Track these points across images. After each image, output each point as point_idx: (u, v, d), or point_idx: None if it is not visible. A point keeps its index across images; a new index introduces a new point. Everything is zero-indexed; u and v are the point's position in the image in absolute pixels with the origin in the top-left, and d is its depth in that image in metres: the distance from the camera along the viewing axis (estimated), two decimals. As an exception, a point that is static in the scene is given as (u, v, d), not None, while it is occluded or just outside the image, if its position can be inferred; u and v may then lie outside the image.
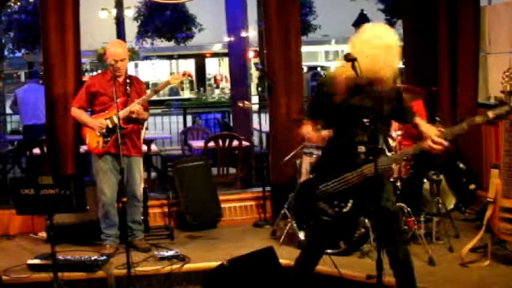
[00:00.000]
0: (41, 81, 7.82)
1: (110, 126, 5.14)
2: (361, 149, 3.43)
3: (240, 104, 6.87)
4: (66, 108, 5.78)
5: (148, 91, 5.43)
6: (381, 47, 3.37)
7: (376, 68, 3.35)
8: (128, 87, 5.24)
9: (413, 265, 3.67)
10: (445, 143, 3.42)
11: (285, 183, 5.99)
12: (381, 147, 3.46)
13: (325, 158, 3.63)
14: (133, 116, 5.13)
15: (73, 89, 5.86)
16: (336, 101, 3.43)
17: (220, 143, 7.13)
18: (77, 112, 5.31)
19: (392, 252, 3.61)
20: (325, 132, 3.57)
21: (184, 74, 5.58)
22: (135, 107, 5.11)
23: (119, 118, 4.85)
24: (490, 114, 3.46)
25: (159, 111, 14.66)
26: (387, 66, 3.37)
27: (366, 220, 4.83)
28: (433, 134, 3.43)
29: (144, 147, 6.08)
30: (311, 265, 3.74)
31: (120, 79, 5.23)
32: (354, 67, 3.30)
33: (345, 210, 3.48)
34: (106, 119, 5.18)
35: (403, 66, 6.61)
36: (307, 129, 3.60)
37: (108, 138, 5.17)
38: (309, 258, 3.74)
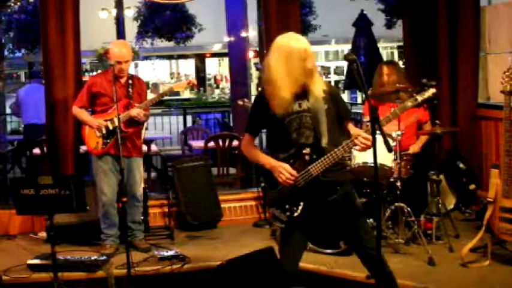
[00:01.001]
0: (43, 81, 7.82)
1: (110, 128, 5.14)
2: (305, 150, 3.43)
3: (240, 103, 6.87)
4: (66, 108, 5.78)
5: (150, 96, 5.42)
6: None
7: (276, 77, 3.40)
8: (130, 89, 5.24)
9: (384, 258, 3.60)
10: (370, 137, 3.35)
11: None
12: (325, 146, 3.43)
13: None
14: (134, 118, 5.13)
15: (73, 89, 5.86)
16: (274, 112, 3.45)
17: (220, 143, 7.13)
18: (77, 111, 5.31)
19: (363, 253, 3.57)
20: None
21: (188, 83, 5.54)
22: (136, 111, 5.11)
23: (119, 121, 4.85)
24: (419, 97, 3.47)
25: (159, 111, 14.64)
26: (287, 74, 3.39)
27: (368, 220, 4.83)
28: (363, 131, 3.40)
29: (144, 147, 6.08)
30: (291, 265, 3.66)
31: (122, 80, 5.22)
32: (354, 67, 3.29)
33: (296, 214, 3.45)
34: (107, 120, 5.17)
35: (404, 66, 6.62)
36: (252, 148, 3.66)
37: (108, 140, 5.17)
38: (286, 259, 3.67)
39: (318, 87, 3.45)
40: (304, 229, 3.57)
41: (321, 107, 3.45)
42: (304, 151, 3.44)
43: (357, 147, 3.40)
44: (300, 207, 3.45)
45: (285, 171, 3.41)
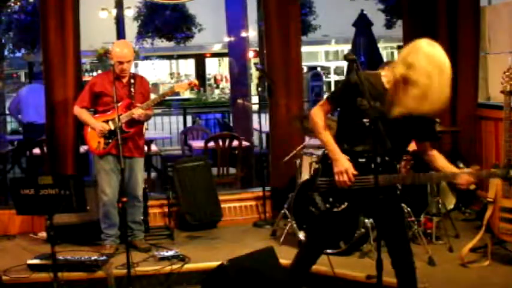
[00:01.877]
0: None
1: (112, 128, 5.14)
2: (376, 158, 3.32)
3: (240, 101, 6.87)
4: (66, 108, 5.78)
5: (152, 96, 5.41)
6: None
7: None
8: (132, 89, 5.23)
9: (415, 266, 3.65)
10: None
11: (286, 186, 5.99)
12: (395, 163, 3.42)
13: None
14: (136, 118, 5.12)
15: (73, 89, 5.86)
16: (366, 106, 3.23)
17: (220, 143, 7.13)
18: (79, 111, 5.31)
19: (396, 255, 3.58)
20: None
21: (190, 83, 5.51)
22: (138, 111, 5.11)
23: (119, 120, 4.84)
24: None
25: (159, 111, 14.63)
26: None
27: (366, 220, 4.84)
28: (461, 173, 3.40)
29: (144, 147, 6.08)
30: (307, 264, 3.72)
31: (124, 80, 5.22)
32: (355, 68, 3.28)
33: (335, 210, 3.43)
34: (108, 120, 5.17)
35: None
36: (321, 117, 3.47)
37: (110, 140, 5.16)
38: (306, 257, 3.72)
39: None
40: (340, 228, 3.61)
41: (410, 125, 3.38)
42: (372, 159, 3.33)
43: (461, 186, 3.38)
44: (343, 206, 3.44)
45: (346, 173, 3.34)
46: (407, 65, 3.23)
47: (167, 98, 6.22)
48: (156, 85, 24.10)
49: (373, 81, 3.36)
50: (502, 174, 3.45)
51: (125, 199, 4.80)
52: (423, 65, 3.22)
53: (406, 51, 3.30)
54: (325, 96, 16.59)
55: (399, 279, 3.62)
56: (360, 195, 3.42)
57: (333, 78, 23.76)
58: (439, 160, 3.55)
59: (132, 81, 5.26)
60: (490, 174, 3.59)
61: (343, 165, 3.35)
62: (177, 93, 21.20)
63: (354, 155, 3.41)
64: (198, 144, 7.94)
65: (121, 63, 5.07)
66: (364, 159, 3.38)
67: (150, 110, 5.26)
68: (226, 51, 11.84)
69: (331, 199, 3.45)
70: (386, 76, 3.38)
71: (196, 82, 5.60)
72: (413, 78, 3.19)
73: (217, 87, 25.69)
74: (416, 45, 3.29)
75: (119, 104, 5.03)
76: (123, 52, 5.13)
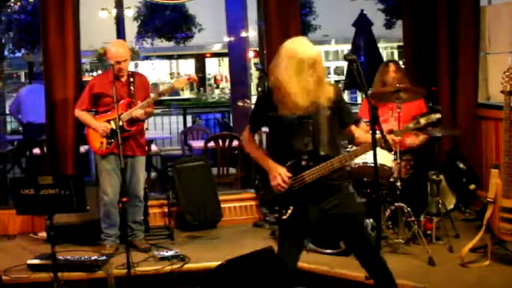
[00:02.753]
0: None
1: (114, 127, 5.13)
2: (304, 156, 3.44)
3: (240, 104, 6.87)
4: (66, 108, 5.78)
5: (152, 95, 5.41)
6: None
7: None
8: (131, 87, 5.23)
9: (385, 261, 3.60)
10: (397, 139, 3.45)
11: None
12: (324, 153, 3.43)
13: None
14: (138, 117, 5.13)
15: (73, 89, 5.86)
16: (279, 114, 3.44)
17: (220, 143, 7.13)
18: (80, 114, 5.31)
19: (360, 255, 3.57)
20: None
21: (189, 79, 5.51)
22: (138, 111, 5.11)
23: (119, 120, 4.84)
24: (422, 121, 3.50)
25: (159, 111, 14.63)
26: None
27: (366, 220, 4.83)
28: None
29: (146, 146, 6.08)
30: (289, 264, 3.66)
31: (123, 79, 5.22)
32: (354, 67, 3.29)
33: (284, 217, 3.46)
34: (109, 120, 5.17)
35: (404, 66, 6.61)
36: (253, 145, 3.67)
37: (112, 140, 5.16)
38: (284, 258, 3.68)
39: (324, 95, 3.43)
40: (297, 231, 3.56)
41: (323, 115, 3.45)
42: (302, 157, 3.44)
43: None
44: (289, 211, 3.45)
45: (279, 177, 3.42)
46: (274, 69, 3.46)
47: (167, 97, 6.24)
48: (156, 85, 24.08)
49: (265, 93, 3.63)
50: (415, 124, 3.49)
51: (125, 199, 4.80)
52: (281, 63, 3.40)
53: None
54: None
55: (374, 280, 3.60)
56: (300, 195, 3.45)
57: (333, 78, 23.75)
58: (361, 135, 3.61)
59: (131, 79, 5.26)
60: (405, 129, 3.58)
61: (276, 170, 3.44)
62: (177, 93, 21.28)
63: (285, 160, 3.49)
64: (198, 144, 7.94)
65: (118, 62, 5.06)
66: (292, 160, 3.46)
67: (150, 107, 5.26)
68: (226, 51, 11.86)
69: (276, 208, 3.50)
70: None
71: (195, 77, 5.60)
72: (277, 77, 3.40)
73: (217, 87, 25.69)
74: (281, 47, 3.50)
75: (120, 103, 5.03)
76: (119, 52, 5.13)
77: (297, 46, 3.41)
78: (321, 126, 3.45)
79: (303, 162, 3.43)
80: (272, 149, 3.62)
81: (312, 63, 3.36)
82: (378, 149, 3.33)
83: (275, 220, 3.53)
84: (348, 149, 4.41)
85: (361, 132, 3.65)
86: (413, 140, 5.43)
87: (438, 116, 3.52)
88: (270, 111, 3.48)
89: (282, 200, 3.47)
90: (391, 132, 3.44)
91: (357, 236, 3.57)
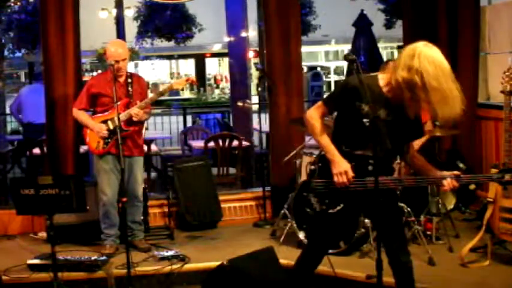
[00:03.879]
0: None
1: (111, 127, 5.14)
2: (371, 160, 3.36)
3: (240, 104, 6.87)
4: (66, 108, 5.78)
5: (150, 95, 5.42)
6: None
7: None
8: (129, 88, 5.24)
9: (412, 267, 3.64)
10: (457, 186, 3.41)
11: (286, 186, 5.99)
12: (392, 166, 3.44)
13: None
14: (134, 119, 5.13)
15: (73, 89, 5.86)
16: (365, 110, 3.24)
17: (220, 143, 7.13)
18: (78, 113, 5.31)
19: (394, 255, 3.58)
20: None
21: (187, 80, 5.53)
22: (135, 110, 5.11)
23: (119, 120, 4.84)
24: (507, 176, 3.45)
25: (159, 111, 14.65)
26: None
27: (366, 220, 4.84)
28: (449, 175, 3.39)
29: (144, 147, 6.08)
30: (311, 266, 3.73)
31: (121, 79, 5.22)
32: (355, 71, 3.28)
33: (331, 211, 3.44)
34: (107, 120, 5.17)
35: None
36: (318, 119, 3.47)
37: (109, 140, 5.17)
38: (309, 258, 3.73)
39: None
40: (338, 230, 3.61)
41: (407, 126, 3.40)
42: (369, 161, 3.37)
43: (445, 187, 3.39)
44: (339, 208, 3.44)
45: (345, 174, 3.34)
46: (410, 69, 3.20)
47: (167, 98, 6.24)
48: (156, 85, 24.09)
49: (370, 83, 3.36)
50: (498, 178, 3.46)
51: (124, 199, 4.80)
52: (430, 70, 3.17)
53: (406, 54, 3.27)
54: (324, 96, 16.62)
55: (396, 278, 3.62)
56: (356, 196, 3.43)
57: (333, 78, 23.76)
58: (422, 161, 3.58)
59: (129, 80, 5.26)
60: (483, 177, 3.58)
61: (342, 166, 3.36)
62: (177, 93, 21.29)
63: (352, 158, 3.41)
64: (198, 144, 7.94)
65: (117, 62, 5.06)
66: (363, 162, 3.38)
67: (148, 108, 5.26)
68: (226, 51, 11.84)
69: (326, 200, 3.46)
70: (383, 79, 3.38)
71: (194, 79, 5.62)
72: (420, 83, 3.16)
73: (217, 87, 25.69)
74: (416, 49, 3.25)
75: (118, 104, 5.02)
76: (118, 51, 5.13)
77: (442, 58, 3.25)
78: (401, 136, 3.42)
79: (370, 167, 3.37)
80: (339, 139, 3.46)
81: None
82: None
83: (320, 210, 3.47)
84: None
85: (421, 157, 3.60)
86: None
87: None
88: (360, 104, 3.26)
89: (335, 195, 3.43)
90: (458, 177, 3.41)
91: (392, 232, 3.55)
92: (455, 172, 3.43)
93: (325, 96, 3.53)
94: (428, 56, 3.20)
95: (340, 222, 3.55)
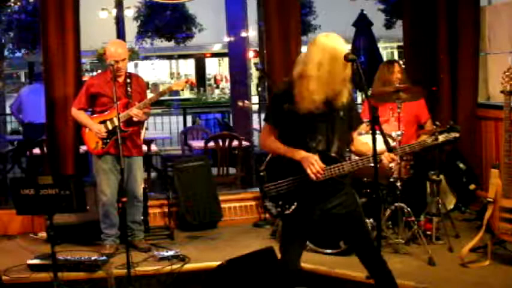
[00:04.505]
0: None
1: (110, 128, 5.14)
2: (313, 151, 3.41)
3: (240, 104, 6.88)
4: (66, 108, 5.78)
5: (149, 95, 5.42)
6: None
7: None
8: (128, 88, 5.23)
9: (385, 260, 3.60)
10: (396, 158, 3.46)
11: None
12: (334, 155, 3.43)
13: (277, 158, 3.61)
14: (134, 119, 5.13)
15: (73, 89, 5.86)
16: (296, 109, 3.38)
17: (220, 143, 7.13)
18: (76, 113, 5.31)
19: (363, 255, 3.58)
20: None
21: (187, 82, 5.54)
22: (135, 111, 5.11)
23: (119, 121, 4.85)
24: (440, 138, 3.49)
25: (159, 111, 14.65)
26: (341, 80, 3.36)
27: (366, 220, 4.83)
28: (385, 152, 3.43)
29: (144, 147, 6.09)
30: (291, 262, 3.65)
31: (120, 79, 5.22)
32: (354, 67, 3.30)
33: (287, 212, 3.45)
34: (106, 120, 5.17)
35: (404, 66, 6.62)
36: (274, 140, 3.54)
37: (108, 140, 5.17)
38: (286, 256, 3.66)
39: (343, 96, 3.41)
40: (300, 228, 3.56)
41: (337, 116, 3.44)
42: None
43: (384, 161, 3.42)
44: (293, 207, 3.45)
45: (316, 163, 3.35)
46: (302, 62, 3.38)
47: (167, 98, 6.26)
48: (156, 85, 24.11)
49: (285, 86, 3.47)
50: (432, 141, 3.48)
51: (124, 199, 4.80)
52: (315, 57, 3.31)
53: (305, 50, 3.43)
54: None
55: (374, 277, 3.60)
56: (307, 192, 3.44)
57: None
58: (365, 145, 3.60)
59: (129, 80, 5.26)
60: (419, 144, 3.57)
61: (310, 158, 3.37)
62: (177, 93, 21.30)
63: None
64: (198, 144, 7.94)
65: (116, 62, 5.06)
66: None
67: (147, 108, 5.26)
68: (226, 51, 11.86)
69: (280, 202, 3.48)
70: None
71: (194, 80, 5.63)
72: (307, 72, 3.31)
73: (217, 87, 25.70)
74: (311, 41, 3.40)
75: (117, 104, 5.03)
76: (118, 51, 5.13)
77: (335, 42, 3.34)
78: (334, 126, 3.45)
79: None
80: (284, 143, 3.53)
81: (346, 62, 3.33)
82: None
83: (277, 214, 3.49)
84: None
85: (360, 142, 3.64)
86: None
87: (457, 135, 3.51)
88: (288, 105, 3.40)
89: (286, 195, 3.46)
90: (391, 150, 3.43)
91: (358, 235, 3.58)
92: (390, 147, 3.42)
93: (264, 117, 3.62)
94: (318, 44, 3.34)
95: (301, 220, 3.52)
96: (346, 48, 3.35)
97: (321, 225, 3.60)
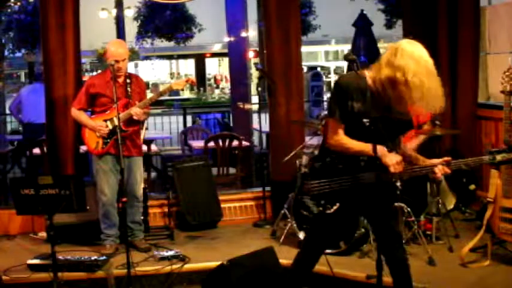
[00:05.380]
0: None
1: (110, 127, 5.14)
2: (364, 157, 3.37)
3: (240, 106, 6.87)
4: (66, 108, 5.78)
5: (150, 95, 5.42)
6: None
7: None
8: (128, 88, 5.24)
9: (409, 264, 3.63)
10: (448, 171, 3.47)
11: (286, 186, 5.98)
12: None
13: (326, 157, 3.58)
14: (134, 117, 5.13)
15: (73, 89, 5.86)
16: (356, 107, 3.29)
17: (220, 143, 7.13)
18: (76, 113, 5.31)
19: (390, 252, 3.59)
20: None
21: (187, 81, 5.53)
22: (135, 110, 5.11)
23: (119, 120, 4.84)
24: (498, 157, 3.48)
25: (159, 111, 14.65)
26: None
27: (366, 220, 4.84)
28: (439, 163, 3.48)
29: (144, 147, 6.08)
30: (309, 265, 3.72)
31: (120, 79, 5.22)
32: (354, 67, 3.29)
33: (328, 211, 3.44)
34: (106, 120, 5.18)
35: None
36: (346, 137, 3.42)
37: (108, 140, 5.17)
38: (307, 257, 3.73)
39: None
40: (336, 228, 3.61)
41: (394, 120, 3.42)
42: (361, 157, 3.38)
43: (438, 174, 3.46)
44: (335, 207, 3.44)
45: (400, 163, 3.32)
46: (392, 66, 3.21)
47: (167, 98, 6.26)
48: (156, 85, 24.11)
49: (359, 83, 3.34)
50: (489, 159, 3.48)
51: (124, 199, 4.80)
52: (411, 66, 3.18)
53: (389, 52, 3.28)
54: (325, 98, 16.57)
55: (394, 276, 3.62)
56: (352, 194, 3.43)
57: (333, 78, 23.77)
58: (413, 152, 3.63)
59: (128, 80, 5.26)
60: (473, 161, 3.59)
61: (394, 157, 3.33)
62: (177, 93, 21.30)
63: (344, 157, 3.40)
64: (198, 144, 7.94)
65: (117, 61, 5.06)
66: (365, 160, 3.38)
67: (147, 108, 5.26)
68: (226, 51, 11.85)
69: (322, 201, 3.47)
70: (370, 78, 3.36)
71: (194, 79, 5.63)
72: (402, 79, 3.17)
73: (217, 87, 25.70)
74: (399, 47, 3.26)
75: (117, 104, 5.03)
76: (119, 51, 5.13)
77: (427, 57, 3.26)
78: (393, 134, 3.45)
79: (362, 163, 3.38)
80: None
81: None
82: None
83: (317, 212, 3.47)
84: None
85: (411, 149, 3.68)
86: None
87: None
88: (355, 103, 3.30)
89: (330, 195, 3.44)
90: (449, 164, 3.49)
91: (388, 229, 3.57)
92: (446, 158, 3.44)
93: (328, 112, 3.50)
94: (410, 53, 3.21)
95: (339, 222, 3.55)
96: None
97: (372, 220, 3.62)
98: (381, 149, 3.33)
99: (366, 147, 3.34)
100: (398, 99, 3.24)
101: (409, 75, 3.15)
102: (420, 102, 3.19)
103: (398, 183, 5.02)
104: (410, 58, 3.19)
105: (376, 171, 3.35)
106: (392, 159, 3.32)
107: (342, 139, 3.39)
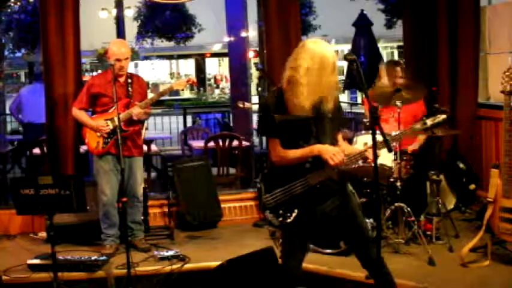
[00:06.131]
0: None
1: (111, 127, 5.14)
2: (309, 160, 3.41)
3: (240, 105, 6.87)
4: (66, 108, 5.78)
5: (150, 95, 5.42)
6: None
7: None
8: (129, 88, 5.24)
9: (385, 262, 3.62)
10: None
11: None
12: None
13: (273, 169, 3.61)
14: (135, 118, 5.13)
15: (73, 89, 5.86)
16: (288, 115, 3.40)
17: (220, 143, 7.13)
18: (77, 113, 5.31)
19: (363, 254, 3.59)
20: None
21: (188, 81, 5.53)
22: (136, 110, 5.11)
23: (119, 120, 4.84)
24: (428, 121, 3.50)
25: (159, 111, 14.65)
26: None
27: (366, 220, 4.83)
28: (368, 147, 3.42)
29: (144, 147, 6.07)
30: (295, 270, 3.68)
31: (121, 79, 5.22)
32: (354, 67, 3.30)
33: (288, 220, 3.44)
34: (107, 120, 5.18)
35: (405, 65, 6.62)
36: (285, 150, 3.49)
37: (109, 140, 5.17)
38: (289, 263, 3.68)
39: (332, 100, 3.44)
40: (302, 234, 3.57)
41: (326, 118, 3.46)
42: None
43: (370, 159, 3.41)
44: (294, 214, 3.44)
45: (337, 153, 3.33)
46: (290, 68, 3.40)
47: (167, 98, 6.26)
48: (156, 85, 24.11)
49: (275, 95, 3.50)
50: (421, 126, 3.49)
51: (124, 199, 4.80)
52: (304, 63, 3.34)
53: (292, 55, 3.44)
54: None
55: (374, 278, 3.62)
56: (304, 197, 3.43)
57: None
58: (348, 146, 3.65)
59: (129, 80, 5.27)
60: (410, 129, 3.59)
61: (330, 149, 3.37)
62: (177, 93, 21.31)
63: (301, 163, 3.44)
64: (198, 144, 7.94)
65: (119, 60, 5.06)
66: (310, 162, 3.42)
67: (148, 108, 5.26)
68: (226, 51, 11.86)
69: (280, 211, 3.47)
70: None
71: (195, 80, 5.64)
72: (296, 78, 3.34)
73: (217, 87, 25.70)
74: (300, 46, 3.42)
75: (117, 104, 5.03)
76: (121, 50, 5.13)
77: (322, 48, 3.37)
78: (325, 129, 3.46)
79: (307, 165, 3.42)
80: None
81: (334, 68, 3.37)
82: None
83: (279, 224, 3.49)
84: None
85: (342, 142, 3.66)
86: (414, 146, 5.44)
87: (444, 116, 3.51)
88: (279, 112, 3.42)
89: (285, 204, 3.46)
90: (391, 150, 3.43)
91: (357, 236, 3.58)
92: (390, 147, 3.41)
93: (257, 132, 3.65)
94: (308, 50, 3.36)
95: (303, 226, 3.51)
96: (334, 54, 3.38)
97: (321, 227, 3.60)
98: (318, 147, 3.40)
99: (305, 151, 3.42)
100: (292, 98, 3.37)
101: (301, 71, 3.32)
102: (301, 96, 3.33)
103: (398, 183, 5.04)
104: (306, 55, 3.35)
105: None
106: (328, 152, 3.36)
107: (281, 152, 3.47)
